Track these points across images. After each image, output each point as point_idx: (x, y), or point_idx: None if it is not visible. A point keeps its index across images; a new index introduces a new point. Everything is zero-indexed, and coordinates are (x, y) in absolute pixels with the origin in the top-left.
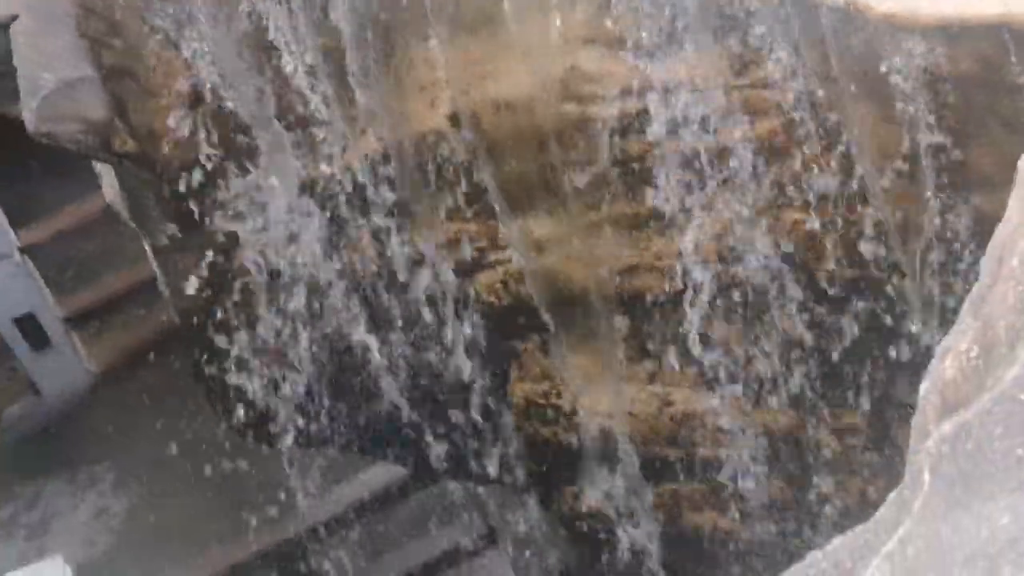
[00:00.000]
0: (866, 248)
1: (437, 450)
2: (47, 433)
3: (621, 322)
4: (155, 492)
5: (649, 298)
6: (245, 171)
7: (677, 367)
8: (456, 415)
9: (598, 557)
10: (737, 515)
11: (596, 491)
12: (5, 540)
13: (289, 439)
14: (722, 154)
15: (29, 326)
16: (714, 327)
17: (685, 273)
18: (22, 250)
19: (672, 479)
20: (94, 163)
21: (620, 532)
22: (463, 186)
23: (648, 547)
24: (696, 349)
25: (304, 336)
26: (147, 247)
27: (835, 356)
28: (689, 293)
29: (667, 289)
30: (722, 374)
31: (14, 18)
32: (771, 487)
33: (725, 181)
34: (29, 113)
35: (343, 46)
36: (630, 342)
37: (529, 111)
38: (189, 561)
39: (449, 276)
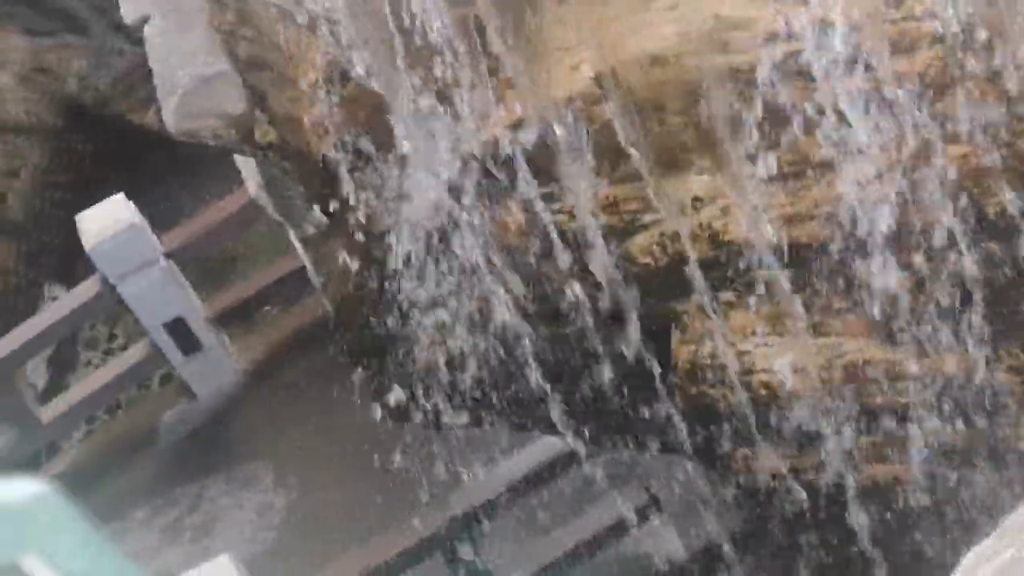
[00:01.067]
0: None
1: (596, 421)
2: (203, 434)
3: (785, 275)
4: (314, 485)
5: (813, 248)
6: (388, 151)
7: (846, 317)
8: (616, 384)
9: (770, 519)
10: (917, 465)
11: (769, 451)
12: (171, 543)
13: (445, 419)
14: (881, 91)
15: (179, 330)
16: (882, 272)
17: (849, 219)
18: (167, 255)
19: (847, 432)
20: (236, 158)
21: (795, 492)
22: (612, 148)
23: (824, 505)
24: (865, 296)
25: (456, 314)
26: (294, 238)
27: (1009, 293)
28: (854, 239)
29: (831, 237)
30: (894, 320)
31: (145, 19)
32: (951, 434)
33: (885, 120)
34: (168, 113)
35: (478, 14)
36: (796, 295)
37: (676, 65)
38: (355, 551)
39: (602, 240)
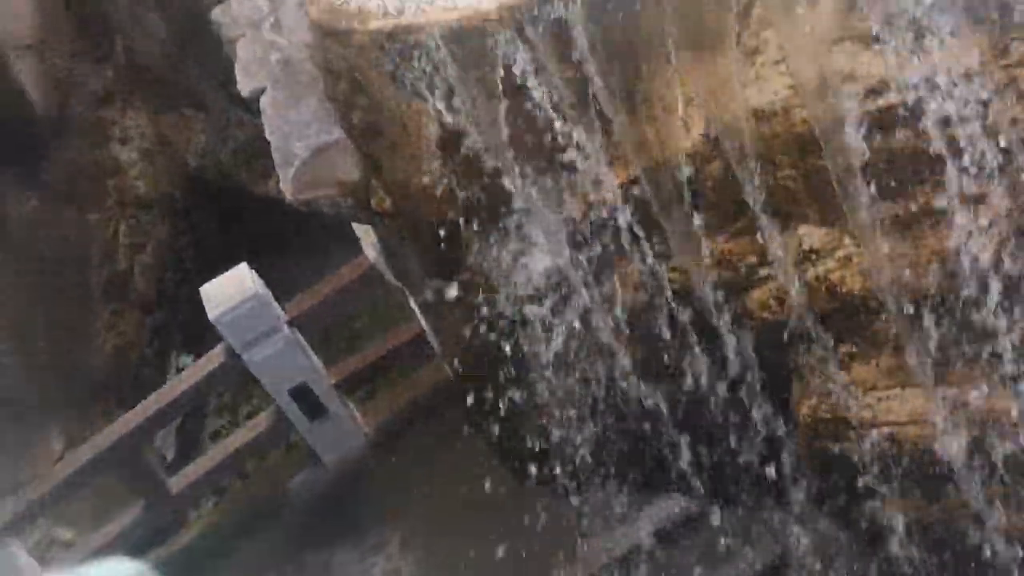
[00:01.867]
0: None
1: (721, 477)
2: (330, 500)
3: (903, 325)
4: (441, 550)
5: (931, 297)
6: (502, 215)
7: (969, 365)
8: (738, 439)
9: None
10: None
11: (896, 502)
12: None
13: (570, 482)
14: (994, 138)
15: (304, 397)
16: (1003, 320)
17: (967, 267)
18: (291, 323)
19: (975, 481)
20: (354, 225)
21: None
22: (726, 204)
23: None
24: (987, 344)
25: (576, 375)
26: (413, 303)
27: None
28: (972, 287)
29: (949, 286)
30: (1017, 367)
31: (261, 91)
32: None
33: (1000, 167)
34: (285, 182)
35: (588, 77)
36: (915, 346)
37: (786, 118)
38: None
39: (719, 297)
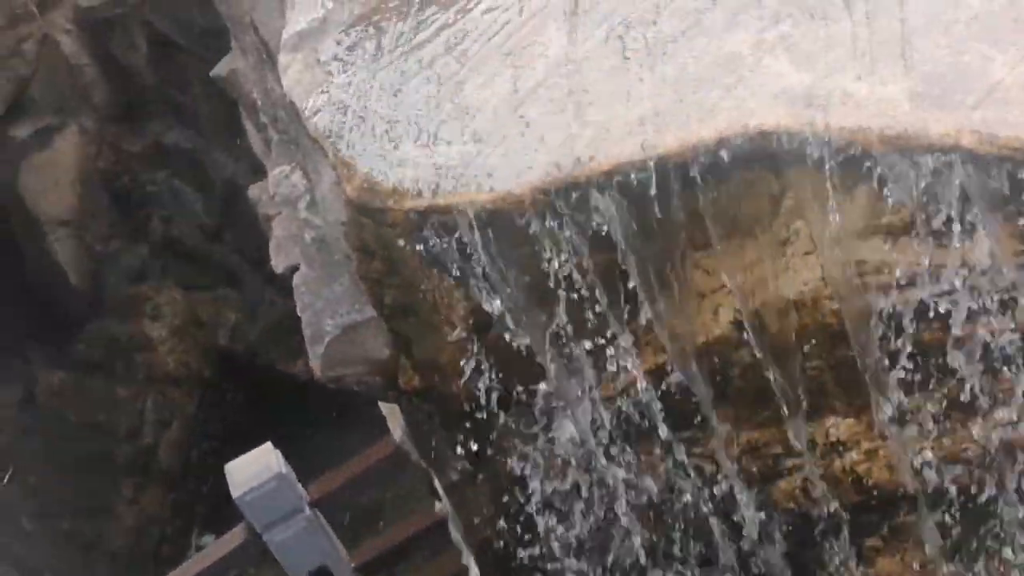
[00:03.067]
0: None
1: None
2: None
3: (933, 520)
4: None
5: (960, 492)
6: (530, 396)
7: (999, 561)
8: None
9: None
10: None
11: None
12: None
13: None
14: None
15: None
16: None
17: (997, 463)
18: (313, 504)
19: None
20: (381, 405)
21: None
22: (753, 392)
23: None
24: (1019, 541)
25: (602, 561)
26: (438, 485)
27: None
28: (1003, 484)
29: (979, 481)
30: None
31: (294, 269)
32: None
33: None
34: (315, 360)
35: (619, 260)
36: (946, 542)
37: (815, 309)
38: None
39: (745, 487)
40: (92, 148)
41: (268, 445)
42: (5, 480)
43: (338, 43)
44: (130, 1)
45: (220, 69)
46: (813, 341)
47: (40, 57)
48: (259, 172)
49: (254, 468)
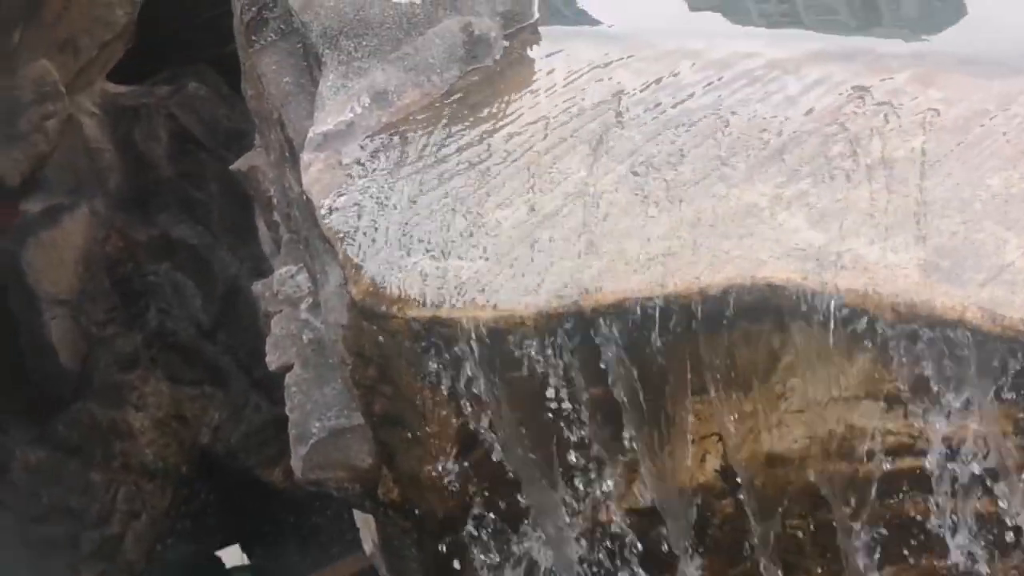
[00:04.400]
0: None
1: None
2: None
3: None
4: None
5: None
6: (511, 527)
7: None
8: None
9: None
10: None
11: None
12: None
13: None
14: (1008, 516)
15: None
16: None
17: None
18: None
19: None
20: (356, 516)
21: None
22: (730, 544)
23: None
24: None
25: None
26: None
27: None
28: None
29: None
30: None
31: (288, 368)
32: None
33: (1010, 544)
34: (297, 460)
35: (615, 396)
36: None
37: (800, 468)
38: None
39: None
40: (100, 232)
41: (236, 548)
42: None
43: (362, 147)
44: (158, 92)
45: (240, 164)
46: (796, 500)
47: (62, 136)
48: (263, 275)
49: (219, 571)
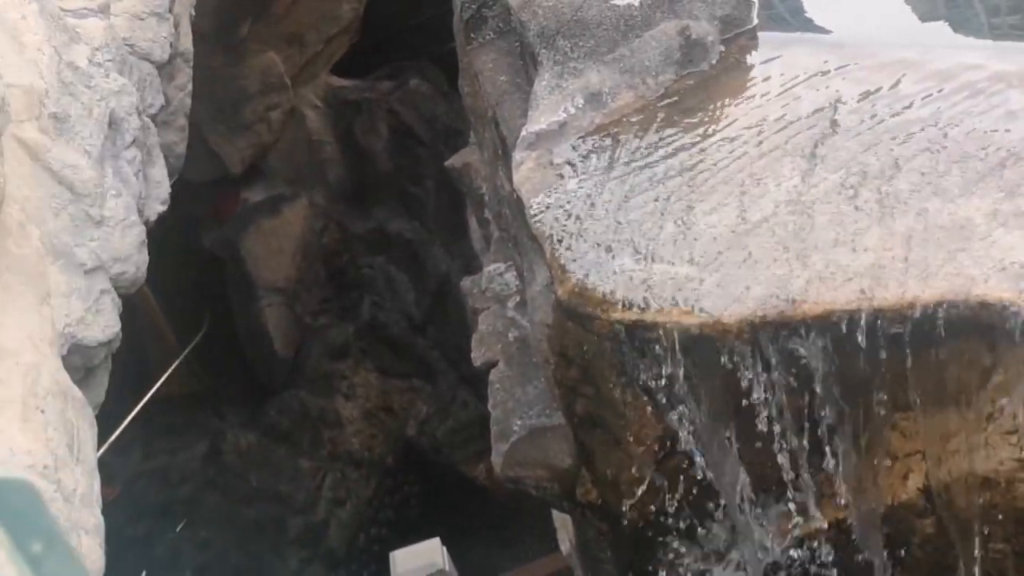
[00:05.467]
0: None
1: None
2: None
3: None
4: None
5: None
6: (704, 529)
7: None
8: None
9: None
10: None
11: None
12: None
13: None
14: None
15: None
16: None
17: None
18: None
19: None
20: (554, 516)
21: None
22: (930, 564)
23: None
24: None
25: None
26: None
27: None
28: None
29: None
30: None
31: (492, 365)
32: None
33: None
34: (498, 457)
35: (815, 409)
36: None
37: (1008, 490)
38: None
39: None
40: (319, 223)
41: (436, 540)
42: (178, 529)
43: (574, 148)
44: (380, 87)
45: (455, 160)
46: (1000, 523)
47: (284, 127)
48: (472, 272)
49: (419, 560)
